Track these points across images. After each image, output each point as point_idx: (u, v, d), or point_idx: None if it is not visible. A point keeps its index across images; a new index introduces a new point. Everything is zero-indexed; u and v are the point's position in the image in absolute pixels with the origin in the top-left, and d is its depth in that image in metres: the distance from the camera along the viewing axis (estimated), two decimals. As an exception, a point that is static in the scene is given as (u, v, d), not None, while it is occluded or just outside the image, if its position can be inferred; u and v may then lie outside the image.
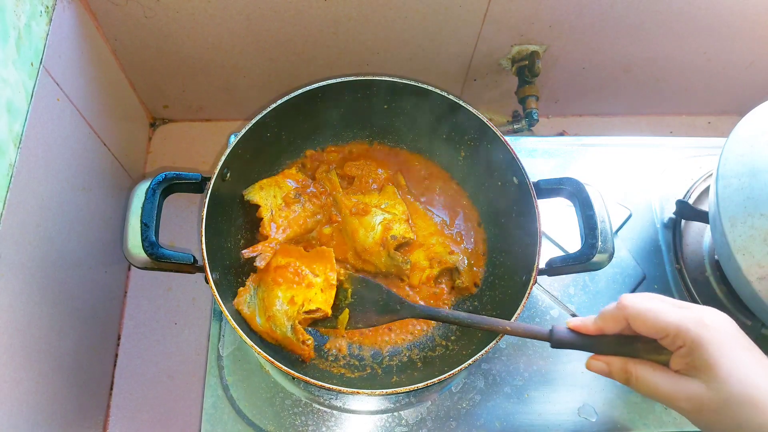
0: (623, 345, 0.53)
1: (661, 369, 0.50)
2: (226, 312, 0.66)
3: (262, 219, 0.81)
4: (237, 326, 0.66)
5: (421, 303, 0.72)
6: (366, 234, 0.81)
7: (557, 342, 0.56)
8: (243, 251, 0.78)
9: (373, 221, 0.82)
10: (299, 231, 0.82)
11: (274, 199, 0.82)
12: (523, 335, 0.59)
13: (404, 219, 0.84)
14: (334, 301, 0.73)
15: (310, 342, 0.72)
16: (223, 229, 0.79)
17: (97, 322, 1.03)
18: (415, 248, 0.85)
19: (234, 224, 0.83)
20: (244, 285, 0.76)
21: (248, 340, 0.65)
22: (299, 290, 0.73)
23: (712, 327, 0.47)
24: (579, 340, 0.55)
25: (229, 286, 0.76)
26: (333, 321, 0.74)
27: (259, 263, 0.77)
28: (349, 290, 0.74)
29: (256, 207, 0.82)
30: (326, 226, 0.86)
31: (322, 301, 0.73)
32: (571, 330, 0.56)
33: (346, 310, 0.73)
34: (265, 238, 0.80)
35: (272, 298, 0.72)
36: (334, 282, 0.75)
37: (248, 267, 0.83)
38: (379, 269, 0.82)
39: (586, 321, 0.55)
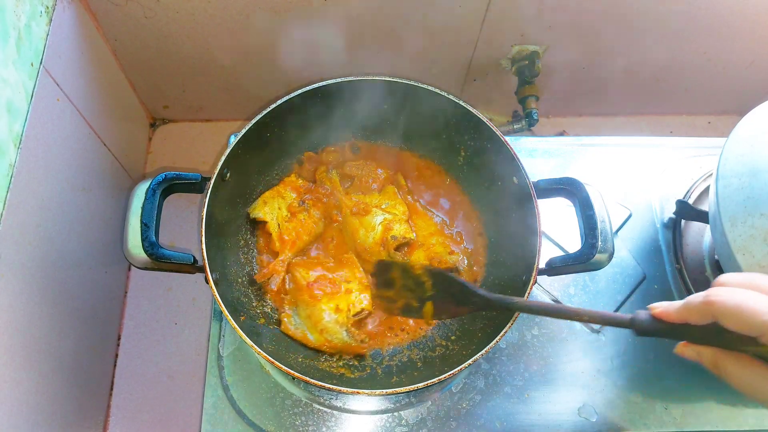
0: (713, 335, 0.47)
1: (758, 365, 0.45)
2: (226, 312, 0.66)
3: (270, 234, 0.82)
4: (237, 326, 0.66)
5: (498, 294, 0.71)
6: (366, 234, 0.81)
7: (640, 329, 0.50)
8: (256, 276, 0.81)
9: (373, 221, 0.82)
10: (308, 239, 0.83)
11: (279, 211, 0.82)
12: (604, 323, 0.54)
13: (404, 219, 0.84)
14: (418, 294, 0.72)
15: (367, 339, 0.78)
16: (223, 229, 0.79)
17: (97, 322, 1.03)
18: (415, 248, 0.85)
19: (234, 224, 0.83)
20: (248, 295, 0.76)
21: (248, 340, 0.65)
22: (341, 298, 0.77)
23: None
24: (664, 328, 0.49)
25: (229, 286, 0.76)
26: (419, 312, 0.72)
27: (272, 286, 0.80)
28: (427, 283, 0.73)
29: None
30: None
31: (363, 301, 0.78)
32: (655, 317, 0.49)
33: (430, 302, 0.72)
34: (275, 254, 0.81)
35: (318, 313, 0.76)
36: (367, 282, 0.80)
37: (249, 267, 0.83)
38: None
39: (669, 308, 0.48)
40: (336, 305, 0.76)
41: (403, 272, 0.70)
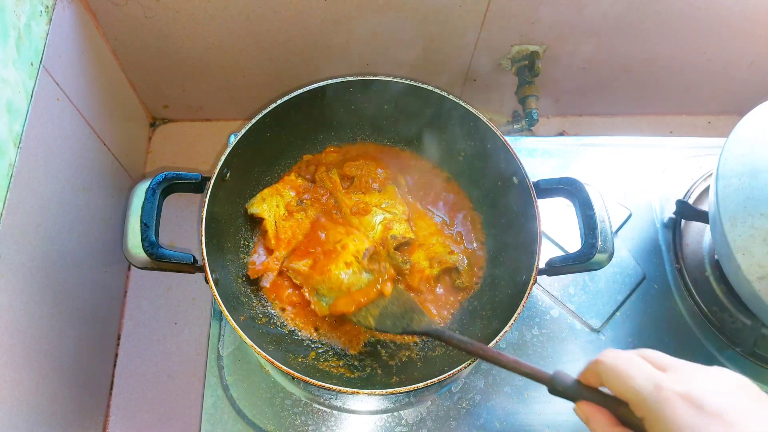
0: (611, 403, 0.47)
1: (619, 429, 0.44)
2: (225, 312, 0.66)
3: (266, 231, 0.81)
4: (236, 326, 0.66)
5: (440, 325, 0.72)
6: (366, 233, 0.81)
7: (556, 389, 0.50)
8: (249, 272, 0.80)
9: (373, 221, 0.82)
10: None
11: (277, 209, 0.82)
12: (523, 374, 0.53)
13: (404, 219, 0.84)
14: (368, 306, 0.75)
15: (389, 269, 0.77)
16: (222, 229, 0.79)
17: (97, 322, 1.03)
18: (415, 248, 0.85)
19: (234, 224, 0.83)
20: (246, 291, 0.76)
21: (248, 340, 0.65)
22: (343, 255, 0.77)
23: (671, 399, 0.40)
24: (579, 391, 0.49)
25: (229, 286, 0.76)
26: (362, 318, 0.75)
27: (265, 283, 0.80)
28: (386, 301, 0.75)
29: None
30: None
31: (364, 241, 0.78)
32: (577, 381, 0.49)
33: (375, 312, 0.74)
34: (270, 251, 0.81)
35: (337, 280, 0.75)
36: (354, 229, 0.81)
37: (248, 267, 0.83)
38: None
39: (582, 372, 0.49)
40: (343, 262, 0.76)
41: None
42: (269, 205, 0.82)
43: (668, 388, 0.40)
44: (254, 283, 0.81)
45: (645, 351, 0.46)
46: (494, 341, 0.66)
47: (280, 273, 0.81)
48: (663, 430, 0.40)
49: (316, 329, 0.80)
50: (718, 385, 0.41)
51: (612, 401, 0.46)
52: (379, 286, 0.76)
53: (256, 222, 0.85)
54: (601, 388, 0.47)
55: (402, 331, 0.71)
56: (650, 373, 0.42)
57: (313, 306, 0.78)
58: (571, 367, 0.83)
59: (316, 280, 0.77)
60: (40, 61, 0.81)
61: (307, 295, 0.78)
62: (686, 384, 0.41)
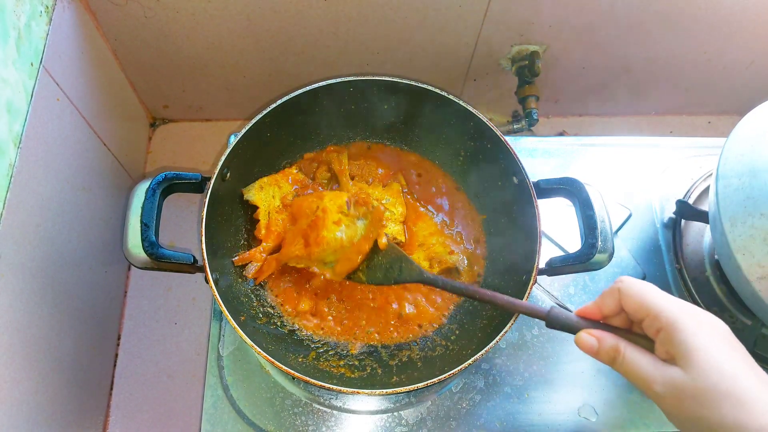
0: (617, 330, 0.52)
1: (647, 353, 0.49)
2: (226, 312, 0.66)
3: (258, 219, 0.81)
4: (237, 326, 0.66)
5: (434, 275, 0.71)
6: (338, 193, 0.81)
7: (552, 321, 0.55)
8: (235, 260, 0.79)
9: None
10: None
11: (273, 200, 0.82)
12: (523, 311, 0.59)
13: (400, 221, 0.84)
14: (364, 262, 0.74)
15: (377, 208, 0.74)
16: (223, 229, 0.79)
17: (97, 322, 1.03)
18: (415, 248, 0.85)
19: (234, 224, 0.83)
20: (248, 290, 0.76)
21: (248, 340, 0.65)
22: (327, 217, 0.73)
23: (693, 315, 0.46)
24: (576, 323, 0.54)
25: (228, 286, 0.76)
26: (359, 275, 0.74)
27: (249, 272, 0.79)
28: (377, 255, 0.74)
29: (255, 206, 0.82)
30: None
31: (342, 197, 0.76)
32: (574, 314, 0.55)
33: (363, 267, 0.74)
34: (259, 241, 0.81)
35: (335, 242, 0.72)
36: (326, 189, 0.80)
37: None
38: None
39: (588, 305, 0.55)
40: (331, 222, 0.73)
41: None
42: (266, 194, 0.82)
43: (691, 308, 0.47)
44: (254, 284, 0.81)
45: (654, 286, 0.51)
46: (494, 341, 0.66)
47: (282, 271, 0.81)
48: (688, 338, 0.45)
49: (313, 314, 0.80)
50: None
51: (615, 328, 0.52)
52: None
53: (256, 222, 0.85)
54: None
55: (394, 282, 0.71)
56: (665, 294, 0.49)
57: (328, 276, 0.75)
58: (571, 367, 0.84)
59: (316, 253, 0.74)
60: (40, 61, 0.81)
61: (317, 270, 0.76)
62: (699, 310, 0.48)
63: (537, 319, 0.87)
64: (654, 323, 0.47)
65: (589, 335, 0.52)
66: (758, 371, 0.45)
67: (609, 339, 0.50)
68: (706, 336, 0.45)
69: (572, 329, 0.54)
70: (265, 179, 0.83)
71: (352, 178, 0.89)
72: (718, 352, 0.44)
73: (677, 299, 0.48)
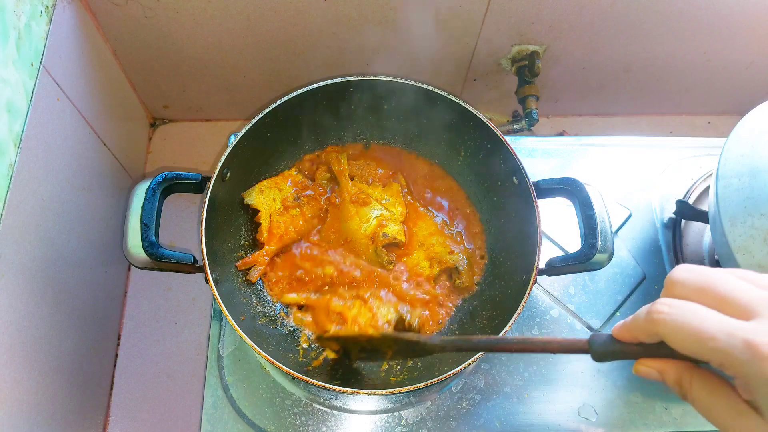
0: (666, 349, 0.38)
1: (723, 388, 0.35)
2: (226, 312, 0.66)
3: (259, 223, 0.81)
4: (237, 326, 0.66)
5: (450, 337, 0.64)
6: (359, 224, 0.82)
7: (598, 353, 0.42)
8: (238, 264, 0.80)
9: (369, 213, 0.83)
10: (294, 237, 0.83)
11: (273, 202, 0.82)
12: (560, 351, 0.45)
13: (400, 221, 0.84)
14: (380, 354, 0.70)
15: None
16: (223, 229, 0.79)
17: (97, 322, 1.03)
18: (414, 249, 0.85)
19: (234, 224, 0.83)
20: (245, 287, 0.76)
21: (248, 340, 0.65)
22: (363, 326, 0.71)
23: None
24: (622, 349, 0.41)
25: (229, 286, 0.76)
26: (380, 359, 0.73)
27: (252, 276, 0.80)
28: (390, 352, 0.69)
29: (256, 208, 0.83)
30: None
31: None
32: (613, 337, 0.41)
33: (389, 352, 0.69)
34: (261, 245, 0.81)
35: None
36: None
37: (247, 268, 0.83)
38: (361, 258, 0.83)
39: (622, 326, 0.40)
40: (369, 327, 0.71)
41: (363, 341, 0.67)
42: (266, 197, 0.82)
43: (762, 343, 0.31)
44: (254, 283, 0.81)
45: (708, 280, 0.35)
46: (494, 341, 0.66)
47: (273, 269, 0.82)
48: (761, 390, 0.32)
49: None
50: None
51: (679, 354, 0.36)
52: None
53: (256, 222, 0.85)
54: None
55: (418, 356, 0.68)
56: (732, 326, 0.32)
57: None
58: (571, 367, 0.84)
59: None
60: (40, 61, 0.81)
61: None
62: None
63: (537, 320, 0.88)
64: (725, 370, 0.33)
65: (647, 368, 0.39)
66: None
67: (671, 371, 0.38)
68: None
69: (626, 356, 0.41)
70: (264, 182, 0.84)
71: (352, 178, 0.89)
72: None
73: (742, 332, 0.32)
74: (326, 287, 0.80)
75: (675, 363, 0.38)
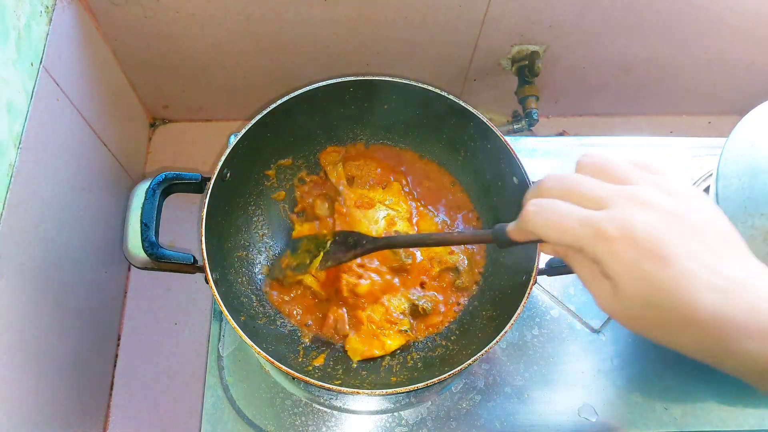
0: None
1: (588, 262, 0.41)
2: (226, 312, 0.66)
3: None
4: (237, 326, 0.66)
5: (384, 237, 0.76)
6: (369, 227, 0.82)
7: (500, 242, 0.49)
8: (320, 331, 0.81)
9: (376, 215, 0.83)
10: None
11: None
12: (469, 242, 0.58)
13: (407, 217, 0.85)
14: (312, 252, 0.76)
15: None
16: (223, 229, 0.79)
17: (97, 322, 1.03)
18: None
19: (234, 224, 0.83)
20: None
21: (248, 340, 0.65)
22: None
23: (610, 241, 0.36)
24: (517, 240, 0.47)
25: (229, 286, 0.76)
26: (306, 267, 0.77)
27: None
28: (329, 242, 0.76)
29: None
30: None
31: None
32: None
33: (320, 256, 0.75)
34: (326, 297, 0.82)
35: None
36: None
37: (249, 267, 0.83)
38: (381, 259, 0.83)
39: (512, 231, 0.46)
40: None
41: (310, 240, 0.76)
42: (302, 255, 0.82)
43: (605, 229, 0.36)
44: (254, 284, 0.81)
45: (574, 184, 0.41)
46: (494, 341, 0.66)
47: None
48: (610, 272, 0.37)
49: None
50: (670, 216, 0.37)
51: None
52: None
53: (256, 223, 0.85)
54: None
55: (353, 256, 0.72)
56: (585, 216, 0.38)
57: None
58: (571, 367, 0.84)
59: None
60: (40, 61, 0.81)
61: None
62: (624, 218, 0.36)
63: (537, 320, 0.88)
64: (582, 252, 0.39)
65: (545, 250, 0.47)
66: None
67: (559, 250, 0.44)
68: (632, 266, 0.36)
69: (522, 244, 0.47)
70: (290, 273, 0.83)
71: (353, 179, 0.89)
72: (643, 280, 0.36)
73: (591, 222, 0.37)
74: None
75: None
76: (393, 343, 0.78)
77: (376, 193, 0.86)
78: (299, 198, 0.88)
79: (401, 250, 0.80)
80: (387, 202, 0.85)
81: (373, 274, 0.80)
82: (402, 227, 0.82)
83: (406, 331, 0.79)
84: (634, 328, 0.39)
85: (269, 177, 0.87)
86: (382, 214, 0.83)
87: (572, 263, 0.42)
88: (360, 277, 0.79)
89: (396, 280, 0.82)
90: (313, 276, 0.80)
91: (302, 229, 0.85)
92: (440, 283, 0.84)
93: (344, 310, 0.79)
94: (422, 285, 0.82)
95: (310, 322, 0.80)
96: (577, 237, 0.38)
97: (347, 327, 0.78)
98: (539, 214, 0.41)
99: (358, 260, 0.80)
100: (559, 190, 0.41)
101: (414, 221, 0.86)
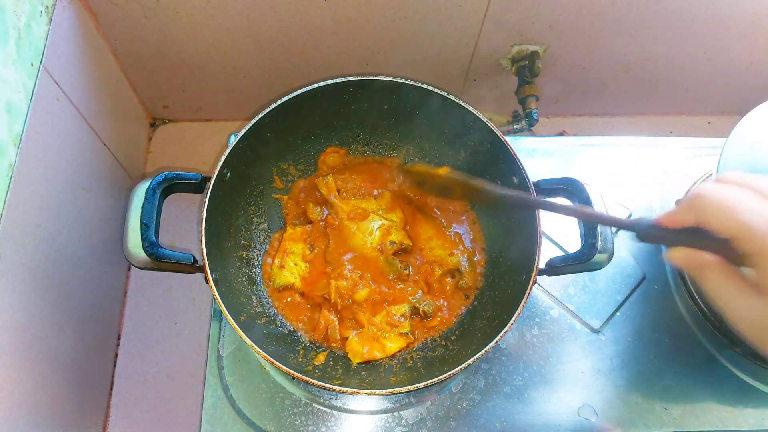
0: (702, 241, 0.44)
1: (734, 272, 0.42)
2: (226, 312, 0.66)
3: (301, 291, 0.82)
4: (236, 326, 0.66)
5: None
6: (363, 238, 0.81)
7: (642, 234, 0.50)
8: (314, 336, 0.80)
9: (371, 226, 0.83)
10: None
11: (297, 267, 0.82)
12: (614, 225, 0.56)
13: (401, 226, 0.84)
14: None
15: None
16: (223, 229, 0.79)
17: (97, 322, 1.03)
18: (415, 251, 0.85)
19: (234, 224, 0.83)
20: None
21: (248, 340, 0.65)
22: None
23: None
24: (661, 234, 0.48)
25: (229, 286, 0.76)
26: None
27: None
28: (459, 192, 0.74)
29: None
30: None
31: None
32: (653, 224, 0.48)
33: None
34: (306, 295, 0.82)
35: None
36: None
37: (249, 267, 0.83)
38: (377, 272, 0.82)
39: (666, 218, 0.47)
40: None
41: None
42: (290, 270, 0.82)
43: None
44: (254, 283, 0.81)
45: (750, 178, 0.42)
46: (494, 341, 0.66)
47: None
48: None
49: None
50: None
51: (708, 239, 0.43)
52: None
53: (256, 223, 0.85)
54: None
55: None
56: (762, 207, 0.39)
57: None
58: (571, 367, 0.84)
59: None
60: (40, 61, 0.81)
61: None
62: None
63: (537, 320, 0.88)
64: (743, 245, 0.39)
65: (678, 254, 0.46)
66: None
67: (696, 257, 0.44)
68: None
69: (663, 241, 0.49)
70: (277, 258, 0.83)
71: (342, 190, 0.88)
72: None
73: (765, 212, 0.39)
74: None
75: (699, 252, 0.44)
76: (393, 345, 0.78)
77: (369, 203, 0.86)
78: (296, 200, 0.88)
79: (398, 261, 0.81)
80: (380, 212, 0.85)
81: (371, 282, 0.81)
82: (397, 237, 0.82)
83: (407, 333, 0.79)
84: None
85: (269, 177, 0.87)
86: (376, 224, 0.83)
87: (711, 272, 0.42)
88: (355, 283, 0.79)
89: (399, 285, 0.82)
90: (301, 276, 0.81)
91: (294, 232, 0.85)
92: (442, 285, 0.84)
93: (334, 317, 0.79)
94: (426, 289, 0.82)
95: (300, 325, 0.81)
96: (747, 223, 0.38)
97: (338, 334, 0.78)
98: (718, 193, 0.41)
99: (350, 266, 0.81)
100: (741, 183, 0.42)
101: (406, 228, 0.86)
